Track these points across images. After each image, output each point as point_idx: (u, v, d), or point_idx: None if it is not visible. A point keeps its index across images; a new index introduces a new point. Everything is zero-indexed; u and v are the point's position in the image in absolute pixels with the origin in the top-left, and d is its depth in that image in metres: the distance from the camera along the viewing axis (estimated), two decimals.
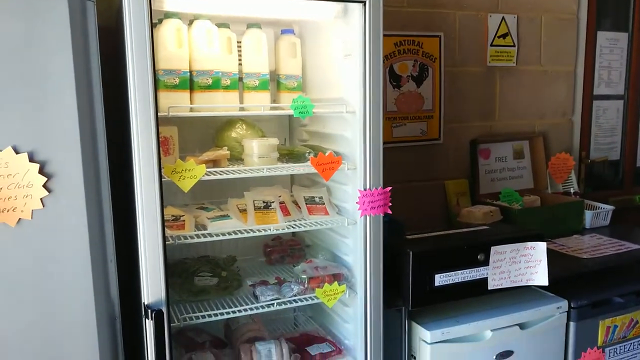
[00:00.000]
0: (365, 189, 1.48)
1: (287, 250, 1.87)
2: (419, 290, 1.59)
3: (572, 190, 2.62)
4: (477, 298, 1.75)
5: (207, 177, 1.39)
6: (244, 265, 1.85)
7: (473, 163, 2.48)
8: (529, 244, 1.73)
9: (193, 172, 1.33)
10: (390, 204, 1.53)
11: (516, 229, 1.86)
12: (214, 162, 1.50)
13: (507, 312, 1.79)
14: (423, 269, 1.58)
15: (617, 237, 2.32)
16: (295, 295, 1.52)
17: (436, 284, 1.61)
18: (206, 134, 1.76)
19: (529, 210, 2.31)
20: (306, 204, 1.63)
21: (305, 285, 1.54)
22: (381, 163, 1.50)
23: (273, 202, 1.55)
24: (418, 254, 1.57)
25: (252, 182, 1.74)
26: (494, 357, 1.76)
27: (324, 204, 1.64)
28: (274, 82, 1.73)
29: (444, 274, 1.61)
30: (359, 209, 1.49)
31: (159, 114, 1.31)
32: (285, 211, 1.60)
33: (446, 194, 2.48)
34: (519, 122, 2.64)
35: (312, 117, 1.82)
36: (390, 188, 1.53)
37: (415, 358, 1.72)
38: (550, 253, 2.04)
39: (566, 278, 1.95)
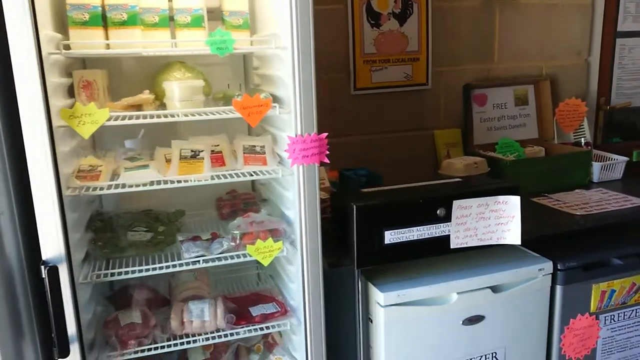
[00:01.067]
0: (296, 135, 1.32)
1: (240, 205, 1.74)
2: (366, 248, 1.43)
3: (583, 141, 2.34)
4: (447, 258, 1.57)
5: (115, 123, 1.26)
6: (194, 220, 1.74)
7: (466, 110, 2.24)
8: (501, 198, 1.52)
9: (94, 117, 1.21)
10: (327, 152, 1.36)
11: (490, 181, 1.64)
12: (138, 107, 1.37)
13: (478, 274, 1.61)
14: (369, 225, 1.42)
15: (627, 192, 2.05)
16: (224, 252, 1.40)
17: (386, 241, 1.44)
18: (149, 80, 1.63)
19: (524, 161, 2.08)
20: (244, 153, 1.48)
21: (237, 242, 1.41)
22: (314, 105, 1.32)
23: (202, 151, 1.41)
24: (362, 208, 1.40)
25: (201, 130, 1.61)
26: (461, 321, 1.60)
27: (264, 153, 1.49)
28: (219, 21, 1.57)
29: (394, 230, 1.44)
30: (288, 157, 1.32)
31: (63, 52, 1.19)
32: (220, 161, 1.46)
33: (435, 145, 2.26)
34: (522, 65, 2.36)
35: (262, 58, 1.66)
36: (326, 134, 1.35)
37: (372, 321, 1.58)
38: (539, 209, 1.83)
39: (552, 237, 1.74)
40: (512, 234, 1.53)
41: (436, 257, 1.57)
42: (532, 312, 1.69)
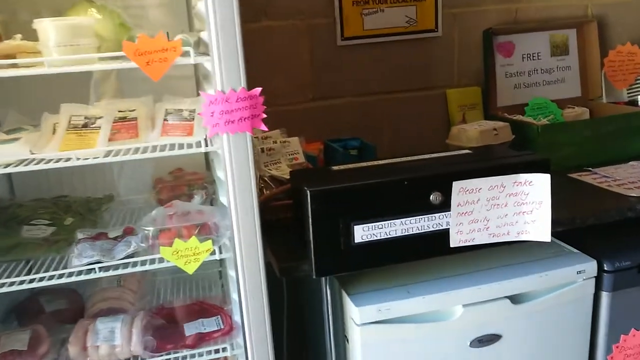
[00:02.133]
0: (215, 92, 0.91)
1: (184, 188, 1.36)
2: (327, 249, 1.03)
3: (639, 98, 1.84)
4: (449, 258, 1.15)
5: None
6: (126, 209, 1.37)
7: (487, 63, 1.77)
8: (523, 176, 1.08)
9: None
10: (264, 116, 0.95)
11: (511, 153, 1.20)
12: (7, 56, 1.00)
13: (492, 279, 1.18)
14: (332, 217, 1.01)
15: None
16: (131, 256, 1.02)
17: (357, 239, 1.03)
18: None
19: (560, 126, 1.61)
20: (165, 120, 1.09)
21: (150, 241, 1.03)
22: (238, 48, 0.90)
23: (99, 118, 1.03)
24: (320, 195, 1.00)
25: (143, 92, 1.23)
26: (469, 343, 1.19)
27: (192, 119, 1.09)
28: None
29: (368, 224, 1.03)
30: (205, 124, 0.93)
31: None
32: (132, 131, 1.07)
33: (448, 108, 1.81)
34: (560, 3, 1.86)
35: None
36: (259, 90, 0.94)
37: (349, 342, 1.19)
38: (580, 188, 1.37)
39: (597, 227, 1.28)
40: (538, 227, 1.10)
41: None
42: (567, 328, 1.26)
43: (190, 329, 1.16)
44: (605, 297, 1.28)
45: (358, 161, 1.45)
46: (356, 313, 1.12)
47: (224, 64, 0.90)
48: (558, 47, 1.84)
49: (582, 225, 1.23)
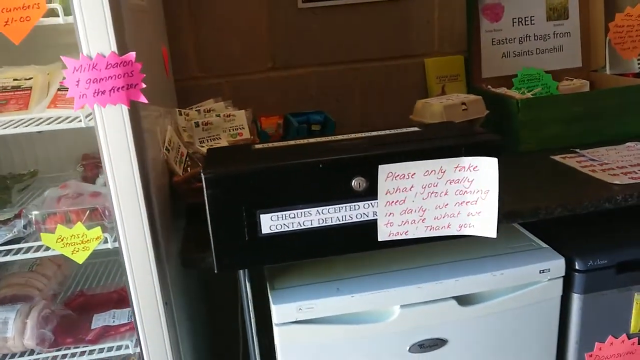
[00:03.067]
0: (80, 57, 0.78)
1: None
2: (230, 240, 0.89)
3: None
4: (388, 251, 1.00)
5: None
6: (49, 186, 1.27)
7: (471, 28, 1.57)
8: (465, 160, 0.91)
9: None
10: (142, 85, 0.81)
11: (461, 131, 1.02)
12: None
13: (434, 277, 1.03)
14: (233, 204, 0.87)
15: None
16: (11, 242, 0.92)
17: (264, 230, 0.89)
18: None
19: (544, 100, 1.40)
20: (58, 90, 0.96)
21: (35, 226, 0.92)
22: (106, 7, 0.76)
23: None
24: (216, 179, 0.86)
25: None
26: (408, 348, 1.04)
27: None
28: None
29: (277, 213, 0.89)
30: (69, 95, 0.79)
31: None
32: (23, 102, 0.95)
33: (426, 79, 1.63)
34: None
35: None
36: (133, 55, 0.80)
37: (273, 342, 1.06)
38: (560, 173, 1.21)
39: (570, 218, 1.10)
40: (484, 221, 0.93)
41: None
42: (528, 334, 1.10)
43: (99, 321, 1.06)
44: (576, 299, 1.11)
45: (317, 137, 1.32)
46: (274, 311, 0.99)
47: (87, 22, 0.76)
48: (555, 10, 1.62)
49: (547, 217, 1.06)
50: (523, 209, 1.05)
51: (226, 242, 0.89)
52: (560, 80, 1.62)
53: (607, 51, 1.61)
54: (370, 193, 0.90)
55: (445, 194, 0.93)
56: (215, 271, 0.90)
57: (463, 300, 1.04)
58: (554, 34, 1.62)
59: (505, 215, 1.03)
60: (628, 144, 1.38)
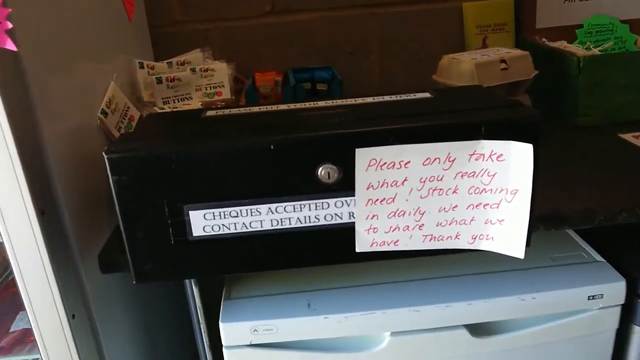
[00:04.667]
0: None
1: None
2: (150, 243, 0.66)
3: None
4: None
5: None
6: None
7: None
8: (486, 145, 0.63)
9: None
10: (8, 26, 0.57)
11: (484, 102, 0.72)
12: None
13: (440, 297, 0.77)
14: (151, 197, 0.64)
15: None
16: None
17: (196, 231, 0.65)
18: None
19: (615, 58, 1.05)
20: None
21: None
22: None
23: None
24: (124, 162, 0.62)
25: None
26: None
27: None
28: None
29: (215, 210, 0.64)
30: None
31: None
32: None
33: (463, 28, 1.30)
34: None
35: None
36: None
37: None
38: (628, 158, 0.91)
39: (634, 228, 0.80)
40: (508, 233, 0.65)
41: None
42: None
43: (22, 322, 0.87)
44: (638, 335, 0.82)
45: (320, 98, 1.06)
46: (222, 331, 0.76)
47: None
48: None
49: (606, 223, 0.76)
50: (571, 211, 0.75)
51: (145, 246, 0.66)
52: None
53: None
54: (345, 187, 0.64)
55: (454, 192, 0.65)
56: (134, 281, 0.68)
57: (477, 329, 0.77)
58: None
59: (542, 220, 0.74)
60: None
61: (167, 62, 1.09)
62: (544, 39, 1.23)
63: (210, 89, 1.07)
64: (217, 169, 0.62)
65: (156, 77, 1.01)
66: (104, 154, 0.61)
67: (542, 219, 0.74)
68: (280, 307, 0.77)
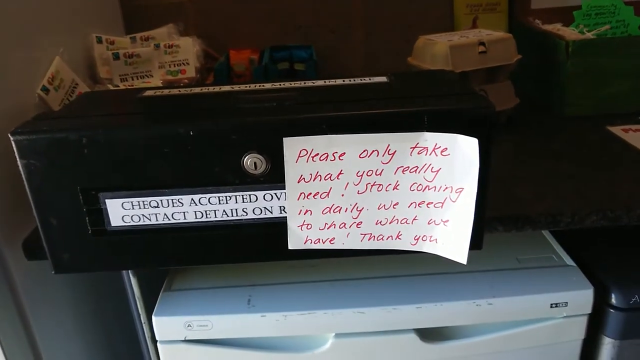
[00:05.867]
0: None
1: None
2: (66, 232, 0.61)
3: None
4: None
5: None
6: None
7: None
8: (430, 137, 0.56)
9: None
10: None
11: (438, 89, 0.65)
12: None
13: (388, 298, 0.71)
14: (64, 183, 0.59)
15: None
16: None
17: (115, 221, 0.61)
18: None
19: (607, 43, 0.96)
20: None
21: None
22: None
23: None
24: (31, 143, 0.57)
25: None
26: None
27: None
28: None
29: (134, 199, 0.60)
30: None
31: None
32: None
33: (453, 7, 1.22)
34: None
35: None
36: None
37: None
38: (614, 153, 0.85)
39: (608, 232, 0.73)
40: (452, 236, 0.59)
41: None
42: None
43: None
44: (608, 346, 0.76)
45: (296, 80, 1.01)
46: (155, 325, 0.72)
47: None
48: None
49: (573, 226, 0.69)
50: (535, 212, 0.69)
51: (61, 234, 0.61)
52: None
53: None
54: (275, 179, 0.59)
55: (395, 189, 0.59)
56: (53, 272, 0.64)
57: (429, 334, 0.72)
58: None
59: (502, 220, 0.68)
60: None
61: (130, 37, 1.04)
62: (537, 21, 1.14)
63: (174, 66, 1.02)
64: (135, 155, 0.57)
65: (113, 53, 0.96)
66: (9, 135, 0.56)
67: (501, 219, 0.68)
68: (218, 302, 0.73)
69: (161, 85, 0.99)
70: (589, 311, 0.72)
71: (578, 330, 0.73)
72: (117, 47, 1.00)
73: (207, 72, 1.13)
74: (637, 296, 0.72)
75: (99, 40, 0.98)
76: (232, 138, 0.57)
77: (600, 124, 0.94)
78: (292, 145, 0.57)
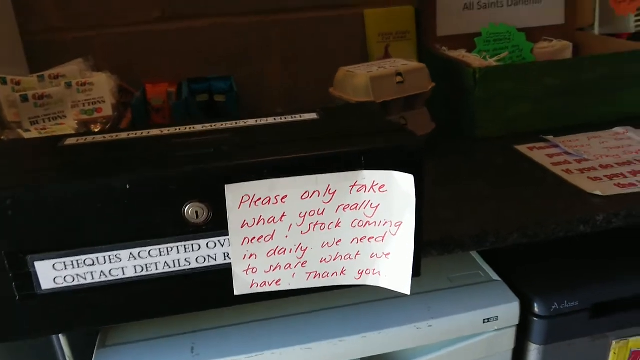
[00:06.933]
0: None
1: None
2: None
3: None
4: None
5: None
6: None
7: None
8: (368, 175, 0.59)
9: None
10: None
11: (368, 125, 0.69)
12: None
13: (332, 330, 0.72)
14: None
15: None
16: None
17: (46, 285, 0.56)
18: None
19: (509, 70, 1.05)
20: None
21: None
22: None
23: None
24: None
25: None
26: None
27: None
28: None
29: (65, 259, 0.56)
30: None
31: None
32: None
33: (366, 35, 1.28)
34: None
35: None
36: None
37: None
38: (523, 171, 0.90)
39: (529, 246, 0.80)
40: (394, 267, 0.62)
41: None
42: None
43: None
44: (534, 352, 0.82)
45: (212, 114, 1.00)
46: None
47: None
48: None
49: (498, 245, 0.74)
50: (463, 234, 0.73)
51: None
52: (536, 41, 1.28)
53: (598, 5, 1.26)
54: (217, 226, 0.58)
55: (337, 226, 0.61)
56: None
57: None
58: None
59: (435, 245, 0.72)
60: (616, 129, 1.06)
61: (37, 76, 0.98)
62: (444, 48, 1.22)
63: (89, 105, 0.98)
64: (66, 213, 0.54)
65: (21, 95, 0.90)
66: None
67: (434, 244, 0.72)
68: (159, 355, 0.70)
69: (76, 125, 0.94)
70: (517, 322, 0.78)
71: (508, 341, 0.79)
72: (25, 88, 0.94)
73: (123, 108, 1.09)
74: (556, 304, 0.79)
75: (4, 82, 0.91)
76: (172, 188, 0.55)
77: (508, 144, 1.02)
78: (234, 192, 0.56)
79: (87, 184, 0.54)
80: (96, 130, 0.95)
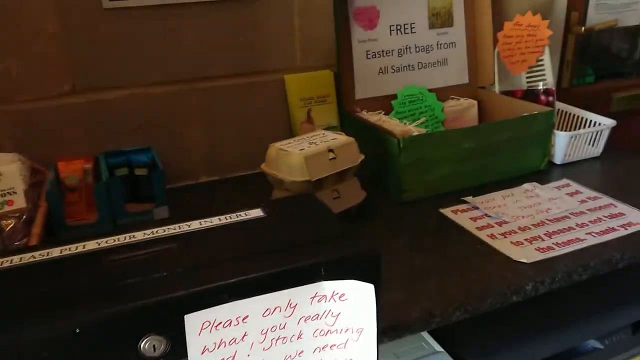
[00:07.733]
0: None
1: None
2: None
3: (541, 87, 1.41)
4: None
5: None
6: None
7: (341, 37, 1.25)
8: (328, 286, 0.59)
9: None
10: None
11: (320, 228, 0.69)
12: None
13: None
14: None
15: (611, 184, 1.16)
16: None
17: None
18: None
19: (434, 137, 1.12)
20: None
21: None
22: None
23: None
24: None
25: None
26: None
27: None
28: None
29: None
30: None
31: None
32: None
33: (288, 101, 1.29)
34: None
35: None
36: None
37: None
38: (452, 239, 0.94)
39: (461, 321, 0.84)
40: None
41: None
42: None
43: None
44: None
45: (134, 190, 0.94)
46: None
47: None
48: (439, 16, 1.34)
49: (443, 323, 0.77)
50: (409, 317, 0.75)
51: None
52: (445, 100, 1.37)
53: (496, 65, 1.38)
54: (178, 355, 0.55)
55: (299, 338, 0.60)
56: None
57: None
58: (437, 44, 1.35)
59: (385, 332, 0.73)
60: (525, 186, 1.15)
61: None
62: (364, 110, 1.26)
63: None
64: None
65: None
66: None
67: (385, 332, 0.73)
68: None
69: None
70: None
71: None
72: None
73: (33, 191, 1.00)
74: (486, 353, 0.83)
75: None
76: (126, 325, 0.52)
77: (433, 207, 1.07)
78: (194, 321, 0.54)
79: (25, 333, 0.49)
80: (8, 227, 0.86)
